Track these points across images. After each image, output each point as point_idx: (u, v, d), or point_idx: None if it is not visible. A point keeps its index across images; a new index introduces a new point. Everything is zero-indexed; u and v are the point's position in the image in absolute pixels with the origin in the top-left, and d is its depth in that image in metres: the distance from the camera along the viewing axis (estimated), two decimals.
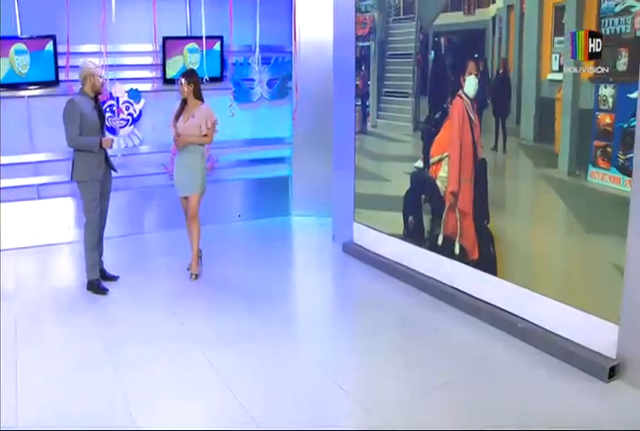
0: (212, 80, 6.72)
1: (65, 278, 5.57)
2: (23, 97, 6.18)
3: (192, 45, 6.68)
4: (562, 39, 3.65)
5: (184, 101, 5.22)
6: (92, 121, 4.81)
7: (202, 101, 5.23)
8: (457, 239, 4.52)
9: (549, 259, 3.96)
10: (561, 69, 3.67)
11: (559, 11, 3.64)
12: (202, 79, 5.36)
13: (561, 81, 3.68)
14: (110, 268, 5.32)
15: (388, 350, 4.04)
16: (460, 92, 4.12)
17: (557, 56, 3.66)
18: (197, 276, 5.33)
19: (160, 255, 6.21)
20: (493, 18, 4.12)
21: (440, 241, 4.73)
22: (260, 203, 7.42)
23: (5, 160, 6.14)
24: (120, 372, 3.74)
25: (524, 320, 4.09)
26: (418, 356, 3.94)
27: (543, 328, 3.97)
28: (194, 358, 3.91)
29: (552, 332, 3.91)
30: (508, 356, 3.92)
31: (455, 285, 4.70)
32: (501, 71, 4.08)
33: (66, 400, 3.43)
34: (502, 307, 4.26)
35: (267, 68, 7.22)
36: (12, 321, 4.45)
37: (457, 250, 4.54)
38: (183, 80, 5.12)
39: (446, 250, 4.72)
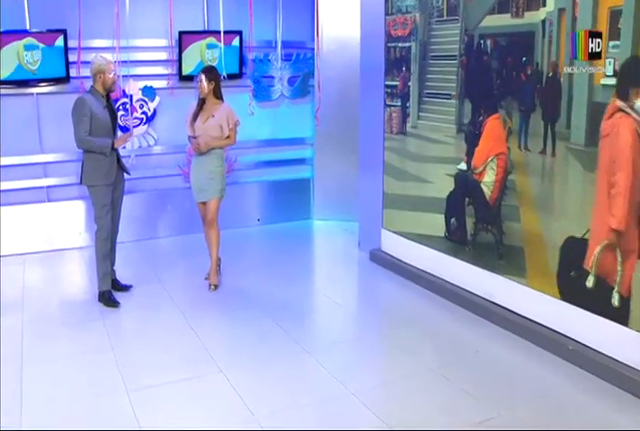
0: (231, 77, 6.43)
1: (75, 287, 5.25)
2: (32, 94, 5.88)
3: (211, 40, 6.37)
4: (617, 43, 3.43)
5: (202, 101, 4.87)
6: (102, 121, 4.50)
7: (222, 100, 4.90)
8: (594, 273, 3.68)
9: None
10: (615, 74, 3.46)
11: (615, 14, 3.44)
12: (221, 76, 5.04)
13: (615, 86, 3.46)
14: (122, 276, 5.02)
15: (423, 372, 3.67)
16: (622, 104, 3.36)
17: (612, 60, 3.46)
18: (216, 286, 4.99)
19: (176, 262, 5.89)
20: (543, 21, 3.95)
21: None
22: (280, 206, 7.10)
23: (13, 160, 5.87)
24: (132, 389, 3.45)
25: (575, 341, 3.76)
26: (457, 380, 3.56)
27: (595, 350, 3.64)
28: (211, 376, 3.61)
29: (604, 354, 3.58)
30: (558, 380, 3.56)
31: (496, 301, 4.36)
32: (550, 74, 3.90)
33: (74, 421, 3.15)
34: (554, 328, 3.93)
35: (288, 65, 6.91)
36: (18, 334, 4.15)
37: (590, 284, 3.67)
38: (204, 76, 4.76)
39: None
